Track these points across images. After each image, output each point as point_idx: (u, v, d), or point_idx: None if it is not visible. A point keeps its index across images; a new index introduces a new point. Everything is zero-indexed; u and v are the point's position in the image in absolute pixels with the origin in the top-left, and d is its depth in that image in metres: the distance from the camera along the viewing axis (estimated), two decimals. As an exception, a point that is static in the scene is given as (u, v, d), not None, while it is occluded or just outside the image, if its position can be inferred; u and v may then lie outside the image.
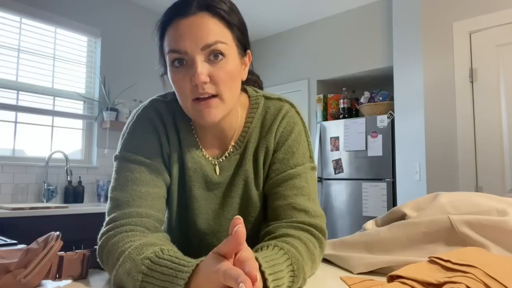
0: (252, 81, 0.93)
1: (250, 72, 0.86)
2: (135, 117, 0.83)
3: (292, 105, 0.88)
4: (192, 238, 0.87)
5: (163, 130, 0.82)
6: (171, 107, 0.84)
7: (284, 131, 0.84)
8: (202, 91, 0.70)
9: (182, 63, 0.71)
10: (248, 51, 0.81)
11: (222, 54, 0.71)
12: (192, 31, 0.70)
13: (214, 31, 0.71)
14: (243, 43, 0.78)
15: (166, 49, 0.73)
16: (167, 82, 0.80)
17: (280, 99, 0.88)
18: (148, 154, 0.79)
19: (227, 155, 0.84)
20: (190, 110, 0.75)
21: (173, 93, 0.85)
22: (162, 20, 0.75)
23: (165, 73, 0.79)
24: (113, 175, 0.79)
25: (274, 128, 0.84)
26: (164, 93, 0.88)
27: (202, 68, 0.70)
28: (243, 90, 0.88)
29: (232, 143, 0.84)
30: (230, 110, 0.78)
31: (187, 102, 0.73)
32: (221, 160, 0.84)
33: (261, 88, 0.95)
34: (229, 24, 0.74)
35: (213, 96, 0.72)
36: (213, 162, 0.84)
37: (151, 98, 0.86)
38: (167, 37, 0.73)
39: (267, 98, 0.88)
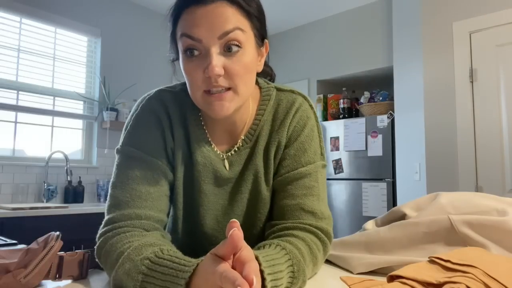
0: (265, 72, 0.89)
1: (264, 63, 0.82)
2: (139, 108, 0.80)
3: (305, 98, 0.85)
4: (200, 235, 0.85)
5: (167, 123, 0.79)
6: (178, 99, 0.80)
7: (297, 125, 0.82)
8: (215, 83, 0.67)
9: (193, 53, 0.68)
10: (266, 40, 0.78)
11: (239, 45, 0.68)
12: (209, 20, 0.66)
13: (232, 19, 0.67)
14: (261, 33, 0.74)
15: (179, 33, 0.69)
16: (178, 68, 0.77)
17: (292, 91, 0.85)
18: (151, 150, 0.76)
19: (236, 149, 0.81)
20: (200, 102, 0.71)
21: (182, 83, 0.82)
22: (176, 4, 0.71)
23: (176, 59, 0.76)
24: (114, 169, 0.77)
25: (287, 122, 0.81)
26: (173, 84, 0.84)
27: (217, 60, 0.66)
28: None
29: (242, 137, 0.81)
30: (243, 103, 0.75)
31: (198, 93, 0.70)
32: (230, 155, 0.81)
33: (273, 80, 0.91)
34: (247, 13, 0.70)
35: (227, 89, 0.69)
36: (221, 156, 0.81)
37: (158, 88, 0.83)
38: (181, 22, 0.69)
39: (279, 89, 0.85)
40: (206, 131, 0.81)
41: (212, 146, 0.81)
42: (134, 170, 0.75)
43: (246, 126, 0.82)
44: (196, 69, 0.68)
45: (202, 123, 0.81)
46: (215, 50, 0.67)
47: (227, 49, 0.68)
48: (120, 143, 0.79)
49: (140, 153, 0.76)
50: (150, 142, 0.77)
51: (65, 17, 3.26)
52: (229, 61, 0.68)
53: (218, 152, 0.81)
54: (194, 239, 0.85)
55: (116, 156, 0.79)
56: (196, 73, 0.68)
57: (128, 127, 0.79)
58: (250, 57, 0.71)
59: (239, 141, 0.82)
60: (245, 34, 0.69)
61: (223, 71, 0.67)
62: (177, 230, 0.84)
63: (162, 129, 0.78)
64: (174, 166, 0.80)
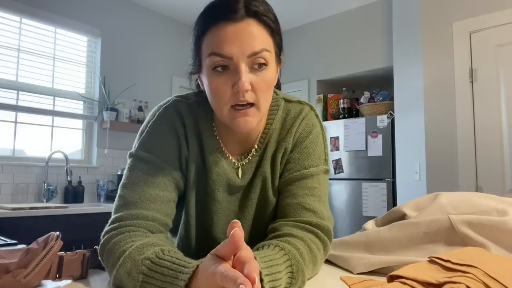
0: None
1: None
2: (155, 116, 0.82)
3: (312, 107, 0.89)
4: (212, 240, 0.87)
5: (183, 132, 0.81)
6: (193, 109, 0.83)
7: (302, 132, 0.85)
8: (242, 98, 0.69)
9: (225, 68, 0.70)
10: (281, 56, 0.80)
11: (265, 63, 0.71)
12: (240, 38, 0.68)
13: (261, 39, 0.70)
14: (280, 50, 0.78)
15: (207, 51, 0.70)
16: (194, 81, 0.80)
17: (300, 102, 0.88)
18: (164, 156, 0.78)
19: (250, 158, 0.84)
20: (226, 116, 0.73)
21: (195, 94, 0.85)
22: (204, 19, 0.72)
23: (196, 72, 0.77)
24: (126, 172, 0.78)
25: (294, 130, 0.84)
26: (185, 93, 0.87)
27: (246, 76, 0.69)
28: None
29: (255, 146, 0.84)
30: (262, 118, 0.77)
31: (225, 108, 0.72)
32: (243, 164, 0.84)
33: (279, 88, 0.94)
34: (272, 31, 0.73)
35: (251, 105, 0.71)
36: (235, 165, 0.84)
37: (173, 98, 0.85)
38: (209, 39, 0.70)
39: (287, 100, 0.88)
40: (220, 141, 0.83)
41: (226, 155, 0.83)
42: (145, 174, 0.76)
43: (258, 136, 0.85)
44: (224, 85, 0.70)
45: (216, 133, 0.83)
46: (244, 67, 0.69)
47: (257, 66, 0.70)
48: (133, 148, 0.81)
49: (154, 158, 0.77)
50: (164, 149, 0.79)
51: (65, 17, 3.26)
52: (255, 77, 0.70)
53: (233, 161, 0.84)
54: (207, 243, 0.87)
55: (128, 159, 0.80)
56: (224, 88, 0.70)
57: (144, 133, 0.81)
58: (272, 73, 0.74)
59: (252, 150, 0.84)
60: (270, 54, 0.72)
61: (251, 87, 0.70)
62: (189, 236, 0.86)
63: (178, 138, 0.80)
64: (186, 175, 0.82)
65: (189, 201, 0.83)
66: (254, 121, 0.72)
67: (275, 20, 0.74)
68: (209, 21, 0.71)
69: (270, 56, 0.72)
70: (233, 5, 0.69)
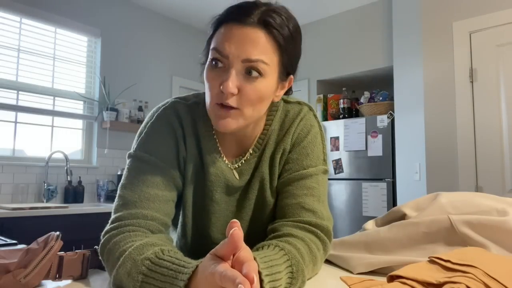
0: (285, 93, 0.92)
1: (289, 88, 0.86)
2: (154, 117, 0.82)
3: (310, 108, 0.89)
4: (209, 240, 0.87)
5: (181, 133, 0.81)
6: (191, 111, 0.83)
7: (300, 133, 0.85)
8: (226, 100, 0.70)
9: (217, 64, 0.71)
10: (291, 76, 0.81)
11: (259, 73, 0.70)
12: (241, 41, 0.69)
13: (261, 49, 0.70)
14: (287, 69, 0.77)
15: (212, 45, 0.73)
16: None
17: (299, 103, 0.89)
18: (163, 157, 0.78)
19: (247, 158, 0.84)
20: (210, 112, 0.74)
21: (195, 95, 0.86)
22: (221, 16, 0.74)
23: (204, 63, 0.78)
24: (125, 172, 0.79)
25: (292, 130, 0.85)
26: (185, 95, 0.87)
27: (234, 79, 0.69)
28: None
29: (250, 151, 0.84)
30: (247, 125, 0.77)
31: (212, 102, 0.73)
32: (239, 165, 0.84)
33: (288, 94, 0.94)
34: (279, 47, 0.72)
35: (235, 108, 0.71)
36: (230, 166, 0.84)
37: (172, 99, 0.85)
38: (218, 34, 0.72)
39: (286, 101, 0.88)
40: (217, 141, 0.83)
41: (222, 156, 0.83)
42: (145, 174, 0.76)
43: (257, 137, 0.85)
44: (215, 80, 0.71)
45: (213, 132, 0.83)
46: (235, 70, 0.69)
47: (247, 72, 0.70)
48: (132, 149, 0.81)
49: (152, 159, 0.78)
50: (163, 149, 0.79)
51: (65, 17, 3.26)
52: (245, 84, 0.70)
53: (227, 162, 0.84)
54: (204, 243, 0.87)
55: (127, 160, 0.81)
56: (214, 83, 0.71)
57: (143, 134, 0.81)
58: (267, 87, 0.73)
59: (248, 152, 0.84)
60: (268, 67, 0.71)
61: (237, 91, 0.70)
62: (186, 236, 0.87)
63: (176, 138, 0.81)
64: (184, 175, 0.82)
65: (186, 201, 0.84)
66: (233, 124, 0.72)
67: (289, 39, 0.74)
68: (223, 18, 0.73)
69: (267, 69, 0.71)
70: (249, 10, 0.70)
